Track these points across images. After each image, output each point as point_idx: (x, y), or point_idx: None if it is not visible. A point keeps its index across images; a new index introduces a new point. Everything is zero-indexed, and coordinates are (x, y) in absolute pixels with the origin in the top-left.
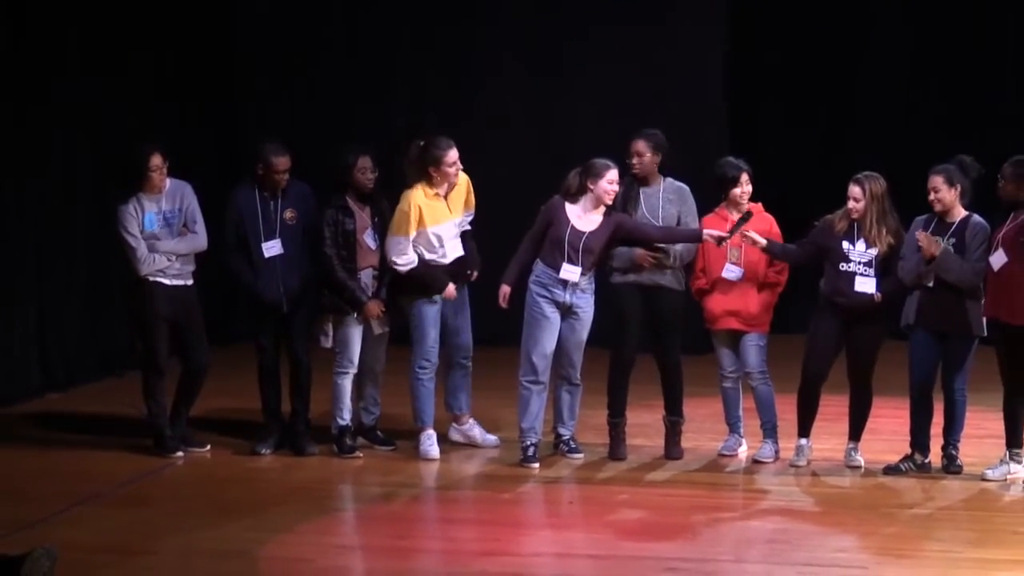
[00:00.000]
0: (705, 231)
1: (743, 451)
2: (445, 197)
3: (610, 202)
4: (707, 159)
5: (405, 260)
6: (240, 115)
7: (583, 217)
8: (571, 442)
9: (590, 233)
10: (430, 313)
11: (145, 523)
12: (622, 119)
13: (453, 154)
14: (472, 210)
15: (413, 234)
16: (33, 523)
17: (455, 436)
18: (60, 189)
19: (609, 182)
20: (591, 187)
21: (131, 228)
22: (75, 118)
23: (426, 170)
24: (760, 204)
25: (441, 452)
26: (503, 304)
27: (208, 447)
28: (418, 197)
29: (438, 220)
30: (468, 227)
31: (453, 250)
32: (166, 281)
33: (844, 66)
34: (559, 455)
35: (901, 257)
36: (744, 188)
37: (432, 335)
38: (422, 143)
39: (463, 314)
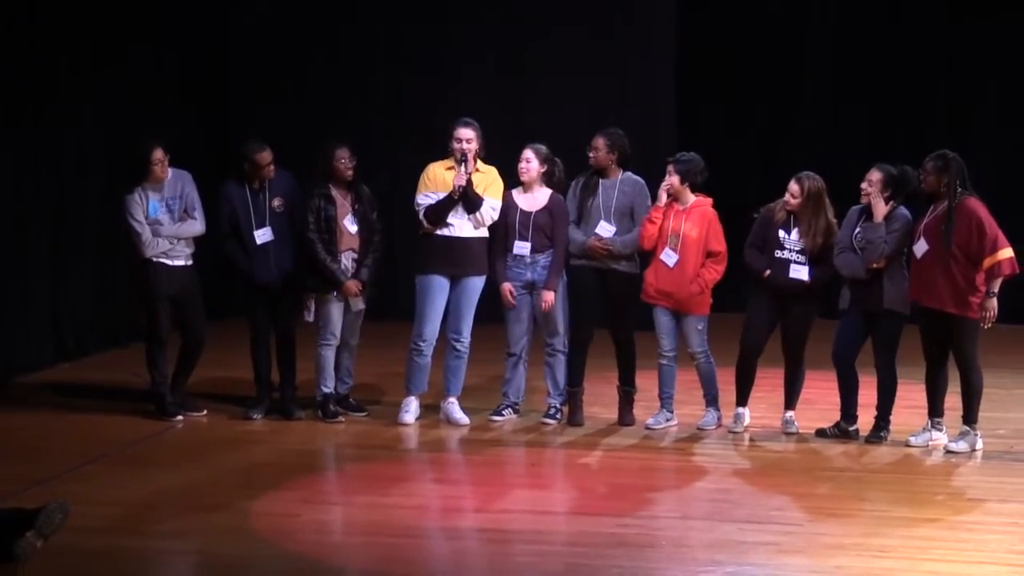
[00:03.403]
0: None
1: (672, 426)
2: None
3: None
4: (656, 155)
5: (418, 208)
6: (233, 114)
7: (526, 198)
8: (551, 409)
9: (537, 212)
10: (432, 292)
11: (148, 480)
12: (582, 117)
13: (462, 131)
14: (496, 200)
15: (424, 192)
16: (47, 480)
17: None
18: (72, 179)
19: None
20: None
21: (136, 215)
22: (84, 116)
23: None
24: (710, 199)
25: (420, 419)
26: (512, 303)
27: (205, 412)
28: (431, 166)
29: (448, 188)
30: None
31: (461, 228)
32: (168, 262)
33: (783, 72)
34: (528, 422)
35: (837, 244)
36: (667, 178)
37: (430, 314)
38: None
39: (467, 303)
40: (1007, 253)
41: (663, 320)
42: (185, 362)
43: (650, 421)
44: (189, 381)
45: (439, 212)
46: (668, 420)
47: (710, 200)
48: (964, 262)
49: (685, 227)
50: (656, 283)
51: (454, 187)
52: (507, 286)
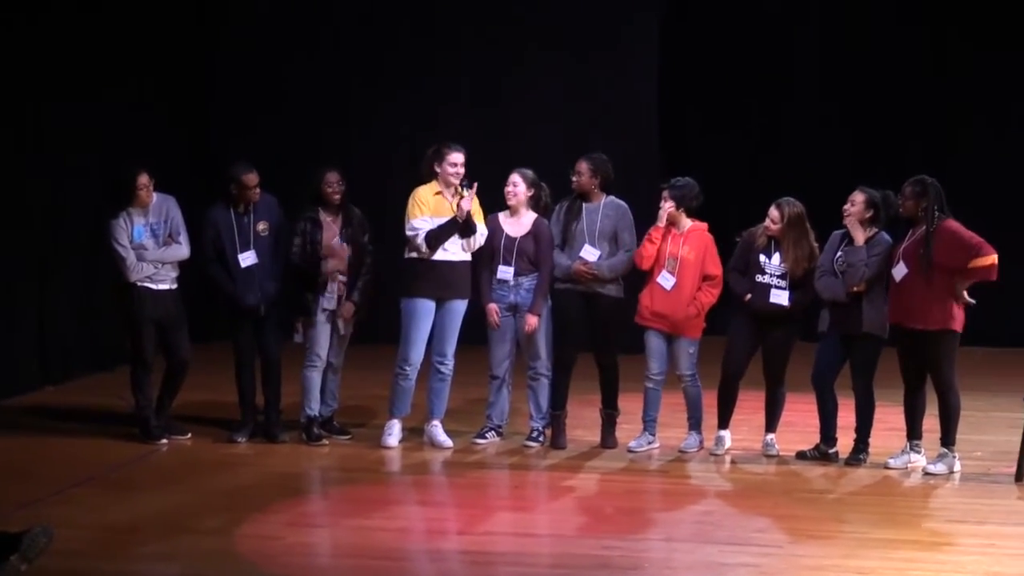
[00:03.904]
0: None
1: (654, 449)
2: (451, 201)
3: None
4: (640, 175)
5: (415, 232)
6: (217, 137)
7: (512, 222)
8: (533, 432)
9: (521, 238)
10: (418, 315)
11: (132, 503)
12: (564, 138)
13: (456, 156)
14: (483, 225)
15: (421, 216)
16: (32, 503)
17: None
18: (59, 203)
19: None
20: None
21: (121, 239)
22: (72, 141)
23: (433, 167)
24: (706, 224)
25: (403, 442)
26: (497, 324)
27: (189, 435)
28: (421, 191)
29: (439, 213)
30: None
31: (453, 252)
32: (152, 286)
33: (767, 92)
34: (511, 445)
35: (819, 267)
36: (662, 203)
37: (416, 337)
38: (436, 146)
39: (452, 325)
40: (990, 259)
41: (654, 343)
42: (169, 385)
43: (632, 444)
44: (174, 404)
45: (440, 237)
46: (650, 443)
47: (706, 225)
48: (945, 279)
49: (683, 250)
50: (651, 305)
51: (460, 211)
52: (493, 307)
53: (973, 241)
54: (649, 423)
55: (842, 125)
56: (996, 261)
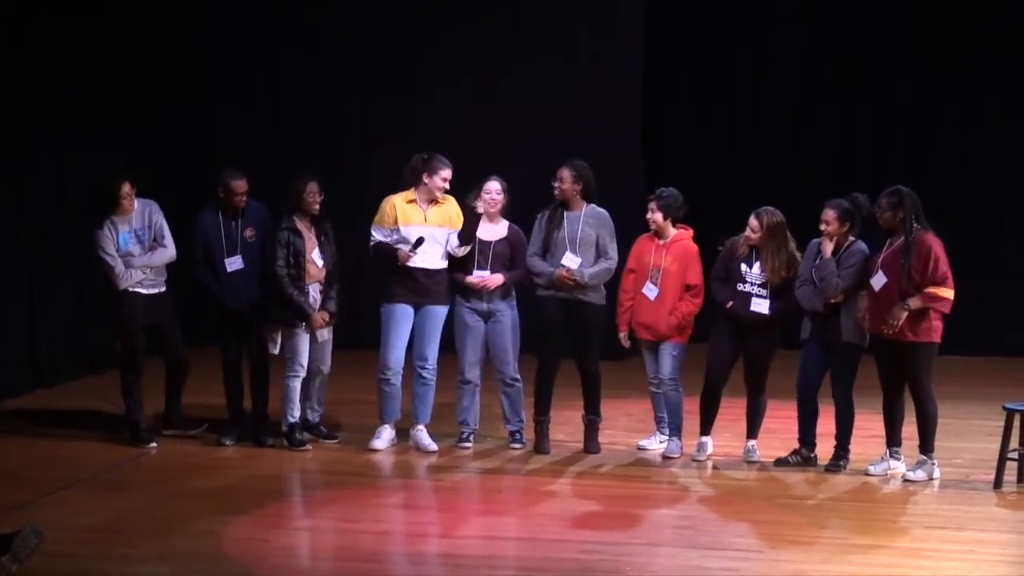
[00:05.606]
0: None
1: (660, 446)
2: (425, 210)
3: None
4: (622, 185)
5: (372, 241)
6: (208, 142)
7: (487, 228)
8: (515, 435)
9: (496, 242)
10: (396, 320)
11: (123, 505)
12: (549, 144)
13: (447, 172)
14: (456, 229)
15: (382, 227)
16: (23, 505)
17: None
18: (50, 210)
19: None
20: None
21: (108, 248)
22: (63, 142)
23: (420, 177)
24: (691, 231)
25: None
26: (481, 284)
27: (206, 425)
28: (395, 200)
29: (409, 223)
30: (459, 249)
31: (428, 261)
32: (143, 291)
33: (749, 99)
34: (494, 449)
35: (799, 276)
36: (650, 215)
37: (395, 342)
38: (426, 156)
39: (432, 330)
40: (949, 294)
41: (646, 350)
42: (174, 387)
43: (643, 442)
44: (161, 407)
45: (385, 259)
46: (661, 442)
47: (691, 232)
48: (918, 292)
49: (665, 261)
50: (640, 317)
51: (407, 256)
52: (460, 276)
53: (940, 270)
54: (660, 423)
55: (824, 133)
56: (951, 298)
